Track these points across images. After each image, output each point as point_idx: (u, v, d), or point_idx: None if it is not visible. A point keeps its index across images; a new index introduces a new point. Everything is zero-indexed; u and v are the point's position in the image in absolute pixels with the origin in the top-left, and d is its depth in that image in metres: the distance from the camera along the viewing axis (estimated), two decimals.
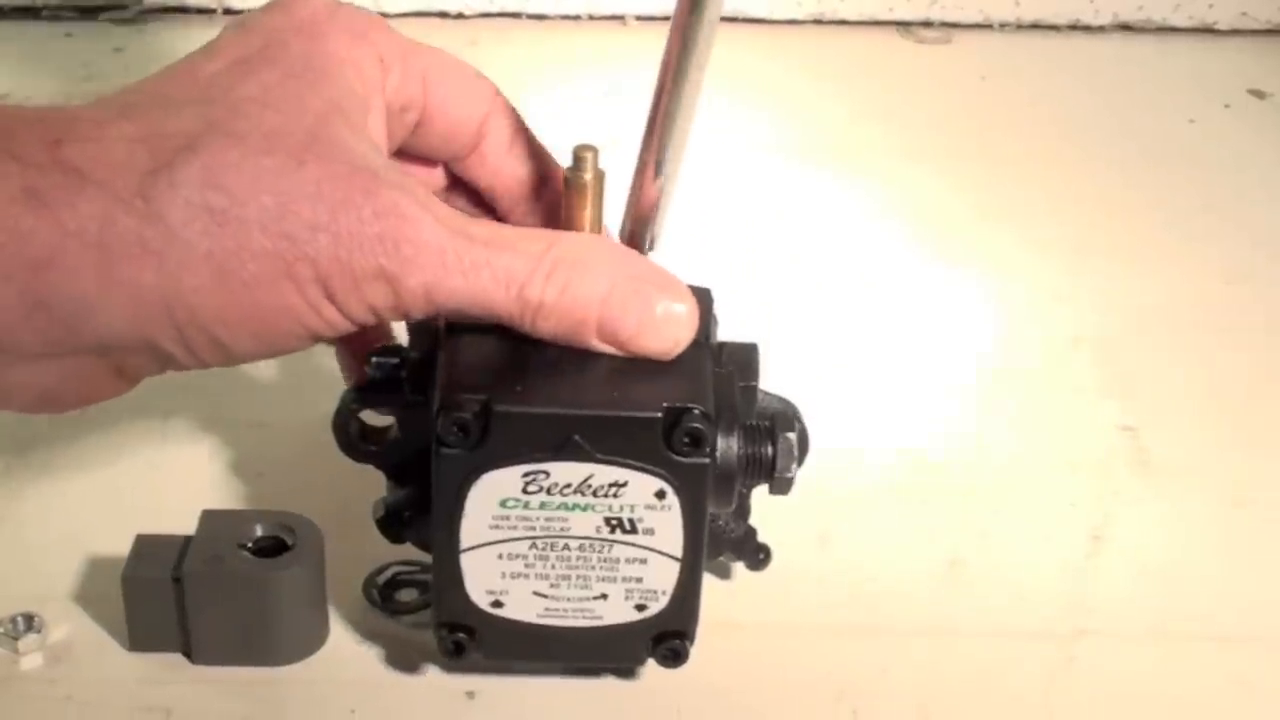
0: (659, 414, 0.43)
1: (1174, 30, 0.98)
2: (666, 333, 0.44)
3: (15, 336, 0.40)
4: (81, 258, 0.39)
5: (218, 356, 0.42)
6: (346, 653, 0.49)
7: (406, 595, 0.51)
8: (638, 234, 0.46)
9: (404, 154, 0.48)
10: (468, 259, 0.42)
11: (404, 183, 0.42)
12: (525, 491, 0.43)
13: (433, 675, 0.49)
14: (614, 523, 0.44)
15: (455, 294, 0.42)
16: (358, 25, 0.45)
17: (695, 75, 0.43)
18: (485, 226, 0.43)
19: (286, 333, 0.42)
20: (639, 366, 0.44)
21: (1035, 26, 0.98)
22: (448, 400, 0.43)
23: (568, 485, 0.43)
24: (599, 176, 0.45)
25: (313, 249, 0.41)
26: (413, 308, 0.42)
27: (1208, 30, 0.98)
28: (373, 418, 0.47)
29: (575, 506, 0.44)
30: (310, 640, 0.49)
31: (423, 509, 0.46)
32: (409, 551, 0.49)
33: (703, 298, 0.47)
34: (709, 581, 0.46)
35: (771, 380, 0.49)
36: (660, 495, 0.43)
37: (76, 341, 0.41)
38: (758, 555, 0.51)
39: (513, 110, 0.49)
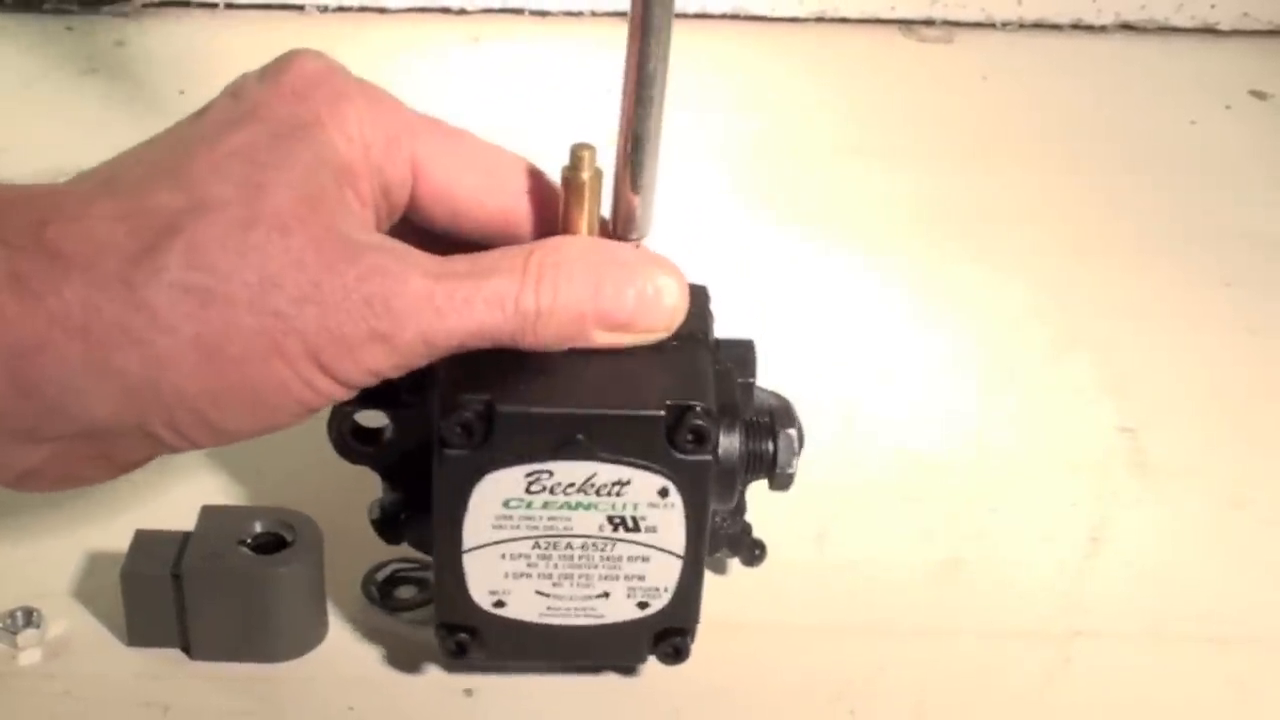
0: (662, 412, 0.43)
1: (1176, 30, 0.98)
2: (663, 307, 0.44)
3: (2, 420, 0.40)
4: (67, 345, 0.39)
5: (210, 437, 0.42)
6: (345, 649, 0.49)
7: (405, 592, 0.51)
8: (626, 226, 0.46)
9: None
10: (458, 296, 0.42)
11: (381, 240, 0.43)
12: (528, 491, 0.43)
13: (431, 673, 0.49)
14: (617, 521, 0.44)
15: (453, 333, 0.42)
16: (342, 89, 0.45)
17: (659, 71, 0.43)
18: (463, 261, 0.43)
19: (279, 408, 0.42)
20: (639, 365, 0.44)
21: (1037, 26, 0.98)
22: (450, 401, 0.43)
23: (571, 484, 0.43)
24: (596, 175, 0.45)
25: (300, 322, 0.40)
26: (414, 359, 0.42)
27: (1210, 31, 0.98)
28: (367, 419, 0.47)
29: (578, 505, 0.44)
30: (309, 637, 0.49)
31: (420, 510, 0.46)
32: (408, 549, 0.49)
33: (699, 295, 0.47)
34: (707, 580, 0.46)
35: (770, 379, 0.49)
36: (663, 493, 0.44)
37: (64, 427, 0.41)
38: (753, 551, 0.51)
39: (531, 183, 0.47)
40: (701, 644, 0.47)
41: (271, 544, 0.48)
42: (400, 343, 0.41)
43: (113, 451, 0.43)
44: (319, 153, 0.43)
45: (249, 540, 0.48)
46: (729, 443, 0.45)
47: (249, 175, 0.41)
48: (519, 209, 0.47)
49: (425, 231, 0.46)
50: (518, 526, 0.44)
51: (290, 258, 0.40)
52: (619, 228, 0.46)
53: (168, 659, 0.48)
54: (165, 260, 0.40)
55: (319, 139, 0.43)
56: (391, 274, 0.41)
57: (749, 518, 0.50)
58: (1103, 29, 0.98)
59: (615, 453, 0.43)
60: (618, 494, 0.44)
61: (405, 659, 0.49)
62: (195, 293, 0.40)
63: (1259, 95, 0.91)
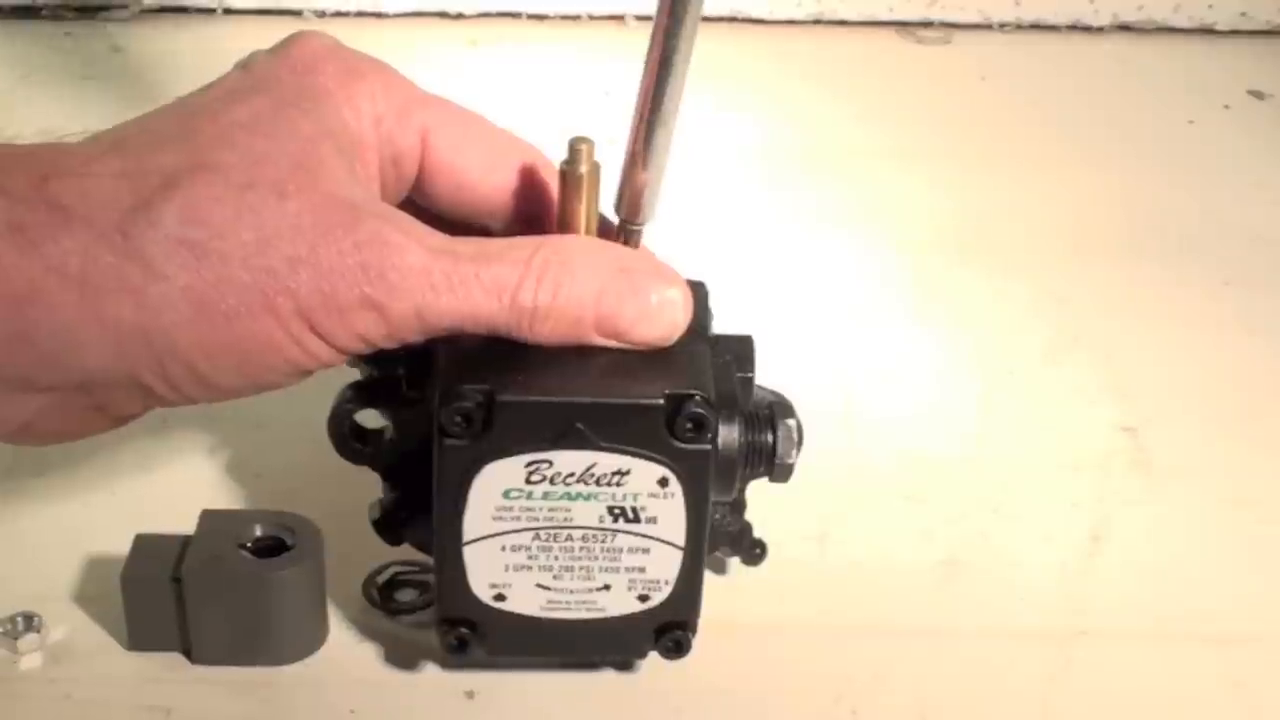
0: (661, 400, 0.43)
1: (1174, 31, 0.98)
2: (664, 319, 0.44)
3: (1, 369, 0.40)
4: (63, 293, 0.40)
5: (201, 391, 0.42)
6: (346, 652, 0.49)
7: (406, 595, 0.51)
8: (632, 210, 0.46)
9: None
10: (455, 276, 0.42)
11: (386, 211, 0.43)
12: (529, 481, 0.43)
13: (433, 675, 0.49)
14: (617, 512, 0.44)
15: (447, 313, 0.42)
16: (353, 63, 0.46)
17: (683, 55, 0.43)
18: (470, 243, 0.43)
19: (269, 366, 0.42)
20: (639, 356, 0.44)
21: (1035, 27, 0.98)
22: (449, 390, 0.43)
23: (571, 474, 0.43)
24: (594, 169, 0.45)
25: (293, 282, 0.41)
26: (405, 332, 0.42)
27: (1207, 31, 0.98)
28: (368, 419, 0.47)
29: (578, 496, 0.44)
30: (310, 640, 0.49)
31: (420, 509, 0.46)
32: (409, 551, 0.49)
33: (698, 290, 0.47)
34: (707, 580, 0.46)
35: (770, 378, 0.49)
36: (663, 483, 0.44)
37: (59, 376, 0.41)
38: (753, 550, 0.51)
39: (537, 167, 0.48)
40: (702, 643, 0.46)
41: (272, 547, 0.48)
42: (393, 313, 0.42)
43: (107, 403, 0.43)
44: (323, 124, 0.43)
45: (249, 544, 0.48)
46: (728, 433, 0.45)
47: (251, 143, 0.42)
48: (523, 192, 0.47)
49: (429, 214, 0.46)
50: (518, 517, 0.44)
51: (287, 221, 0.41)
52: (625, 211, 0.46)
53: (169, 663, 0.48)
54: (162, 214, 0.40)
55: (324, 110, 0.44)
56: (391, 244, 0.41)
57: (750, 517, 0.50)
58: (1100, 30, 0.98)
59: (615, 442, 0.43)
60: (618, 484, 0.44)
61: (406, 661, 0.49)
62: (190, 246, 0.40)
63: (1257, 95, 0.92)
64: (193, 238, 0.40)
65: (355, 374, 0.48)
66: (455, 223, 0.47)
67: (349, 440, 0.47)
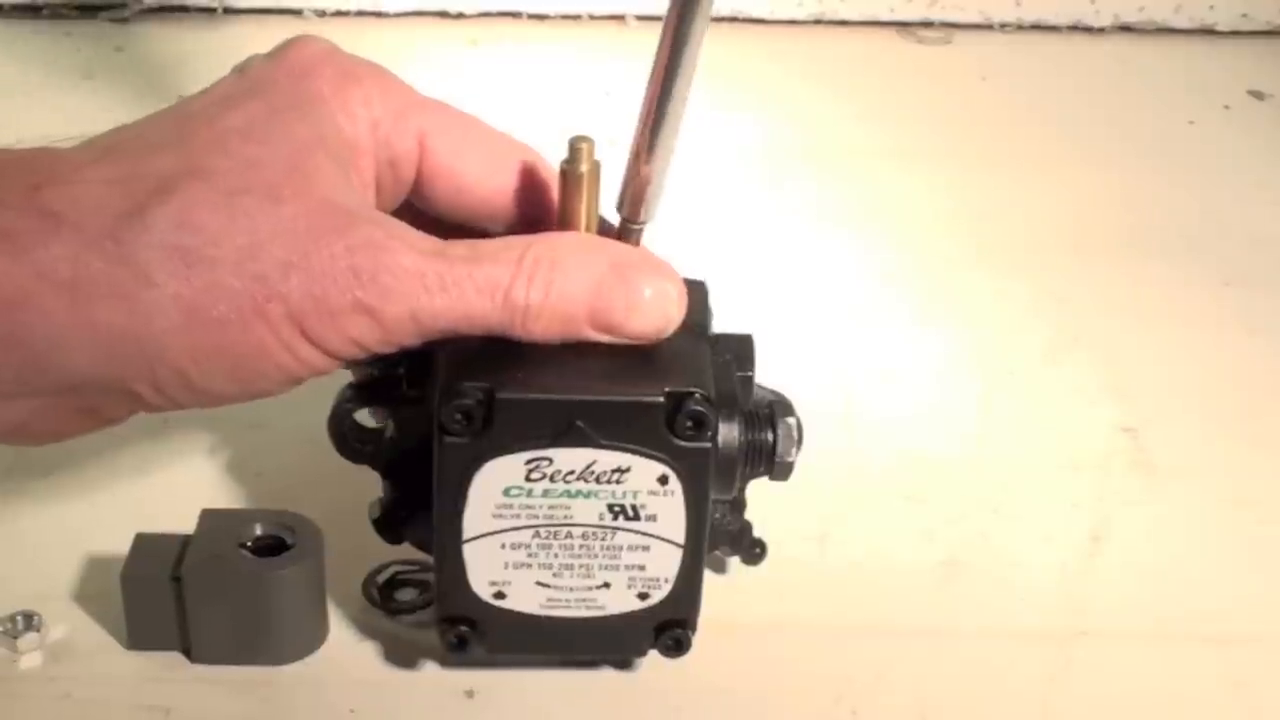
0: (661, 398, 0.43)
1: (1174, 31, 0.98)
2: (657, 313, 0.44)
3: None
4: (54, 299, 0.40)
5: (191, 397, 0.42)
6: (346, 652, 0.49)
7: (406, 594, 0.51)
8: (634, 208, 0.46)
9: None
10: (449, 278, 0.42)
11: (380, 217, 0.43)
12: (528, 479, 0.44)
13: (433, 674, 0.49)
14: (617, 509, 0.44)
15: (440, 314, 0.42)
16: (349, 68, 0.46)
17: (691, 55, 0.43)
18: (462, 245, 0.43)
19: (261, 373, 0.42)
20: (639, 353, 0.45)
21: (1036, 27, 0.98)
22: (450, 388, 0.43)
23: (570, 472, 0.43)
24: (594, 168, 0.45)
25: (284, 287, 0.41)
26: (399, 335, 0.42)
27: (1208, 31, 0.98)
28: (368, 418, 0.47)
29: (578, 493, 0.44)
30: (310, 639, 0.49)
31: (420, 508, 0.46)
32: (409, 551, 0.49)
33: (699, 289, 0.47)
34: (707, 580, 0.46)
35: (771, 378, 0.49)
36: (663, 480, 0.44)
37: (49, 381, 0.41)
38: (753, 549, 0.51)
39: (536, 168, 0.48)
40: (702, 643, 0.46)
41: (272, 546, 0.48)
42: (386, 317, 0.42)
43: (98, 407, 0.43)
44: (318, 129, 0.43)
45: (249, 543, 0.48)
46: (728, 431, 0.45)
47: (245, 149, 0.42)
48: (522, 194, 0.47)
49: (428, 218, 0.46)
50: (518, 515, 0.44)
51: (280, 225, 0.41)
52: (627, 210, 0.46)
53: (168, 662, 0.48)
54: (154, 220, 0.40)
55: (319, 115, 0.44)
56: (384, 248, 0.42)
57: (750, 516, 0.50)
58: (1101, 30, 0.98)
59: (615, 439, 0.43)
60: (617, 481, 0.44)
61: (406, 660, 0.49)
62: (182, 252, 0.40)
63: (1257, 95, 0.92)
64: (185, 244, 0.40)
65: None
66: (454, 226, 0.47)
67: (349, 439, 0.47)
